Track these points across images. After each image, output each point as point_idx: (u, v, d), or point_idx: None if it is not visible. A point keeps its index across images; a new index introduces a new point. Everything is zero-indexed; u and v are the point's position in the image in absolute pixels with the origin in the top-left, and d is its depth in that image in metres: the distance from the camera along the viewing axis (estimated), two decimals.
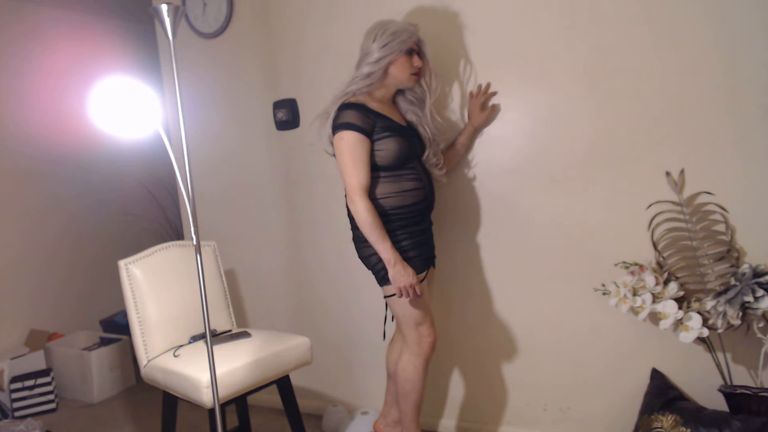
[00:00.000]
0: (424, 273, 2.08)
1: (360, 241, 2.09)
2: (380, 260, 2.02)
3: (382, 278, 2.06)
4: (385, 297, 2.10)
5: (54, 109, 3.76)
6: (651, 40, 2.05)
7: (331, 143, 2.06)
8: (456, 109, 2.41)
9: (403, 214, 2.05)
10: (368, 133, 2.00)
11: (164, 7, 1.68)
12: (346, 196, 2.05)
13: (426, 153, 2.17)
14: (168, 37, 1.70)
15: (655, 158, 2.08)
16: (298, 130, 2.78)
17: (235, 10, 2.86)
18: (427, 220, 2.17)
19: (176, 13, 1.69)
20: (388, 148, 2.01)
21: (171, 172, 1.87)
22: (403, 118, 2.19)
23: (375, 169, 2.04)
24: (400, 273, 1.96)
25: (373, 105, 2.07)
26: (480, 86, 2.31)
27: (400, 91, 2.18)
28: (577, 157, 2.22)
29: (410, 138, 2.10)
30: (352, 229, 2.11)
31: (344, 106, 2.03)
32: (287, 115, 2.76)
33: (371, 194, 2.03)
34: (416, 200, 2.07)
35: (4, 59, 3.56)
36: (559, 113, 2.23)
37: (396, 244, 2.02)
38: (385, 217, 2.03)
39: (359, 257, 2.13)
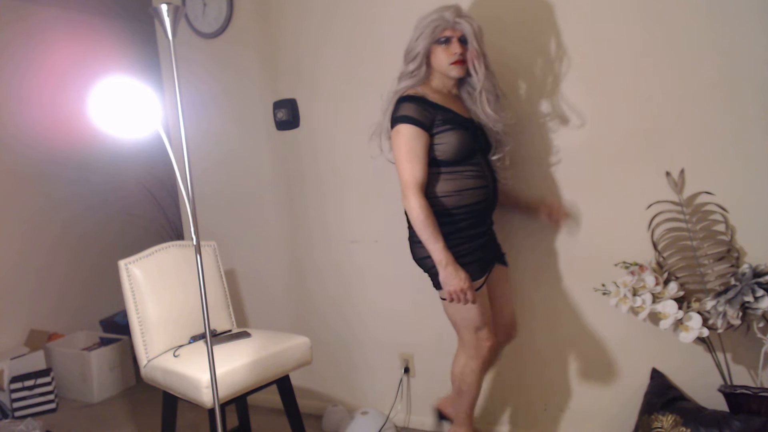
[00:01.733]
0: (483, 278, 1.98)
1: (415, 242, 1.98)
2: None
3: (439, 282, 1.94)
4: (443, 300, 2.01)
5: (54, 110, 3.76)
6: (651, 40, 2.05)
7: (389, 139, 1.96)
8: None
9: (462, 216, 1.94)
10: (427, 126, 1.89)
11: (164, 7, 1.68)
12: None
13: (493, 150, 2.04)
14: (168, 37, 1.70)
15: (655, 158, 2.08)
16: (298, 130, 2.78)
17: (235, 10, 2.86)
18: (488, 221, 2.06)
19: (176, 13, 1.69)
20: (448, 142, 1.90)
21: (171, 172, 1.86)
22: (467, 111, 2.04)
23: (435, 165, 1.93)
24: (451, 275, 1.86)
25: (434, 97, 1.95)
26: (562, 209, 2.21)
27: (462, 82, 2.02)
28: (577, 157, 2.22)
29: (473, 131, 1.97)
30: (408, 228, 2.02)
31: (402, 99, 1.93)
32: (287, 115, 2.76)
33: (429, 191, 1.93)
34: (477, 200, 1.96)
35: (4, 59, 3.56)
36: (559, 113, 2.23)
37: (453, 248, 1.90)
38: (443, 217, 1.93)
39: (414, 259, 2.04)
